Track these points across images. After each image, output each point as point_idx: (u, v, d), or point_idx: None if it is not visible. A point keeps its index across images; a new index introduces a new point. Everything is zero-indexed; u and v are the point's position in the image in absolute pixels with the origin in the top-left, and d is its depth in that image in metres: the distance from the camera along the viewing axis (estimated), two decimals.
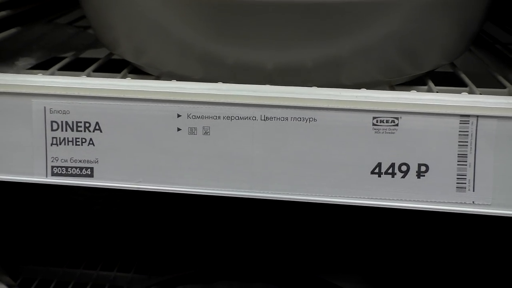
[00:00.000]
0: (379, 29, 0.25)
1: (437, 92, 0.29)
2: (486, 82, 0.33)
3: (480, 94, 0.28)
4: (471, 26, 0.30)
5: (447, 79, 0.34)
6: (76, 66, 0.35)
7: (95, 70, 0.33)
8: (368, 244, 0.57)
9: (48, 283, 0.61)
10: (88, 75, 0.32)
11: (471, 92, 0.29)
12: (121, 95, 0.26)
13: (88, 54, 0.39)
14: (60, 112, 0.27)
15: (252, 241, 0.58)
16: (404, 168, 0.24)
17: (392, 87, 0.30)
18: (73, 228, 0.65)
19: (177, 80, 0.27)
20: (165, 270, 0.57)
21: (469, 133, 0.23)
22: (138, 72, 0.32)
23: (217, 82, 0.27)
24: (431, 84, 0.30)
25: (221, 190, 0.25)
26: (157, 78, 0.31)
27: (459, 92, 0.29)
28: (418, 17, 0.26)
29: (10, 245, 0.63)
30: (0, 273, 0.59)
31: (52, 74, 0.31)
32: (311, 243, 0.57)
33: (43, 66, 0.35)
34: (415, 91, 0.25)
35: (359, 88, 0.26)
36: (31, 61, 0.34)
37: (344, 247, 0.57)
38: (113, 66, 0.34)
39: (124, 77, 0.32)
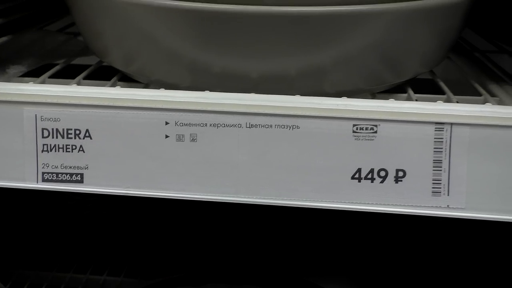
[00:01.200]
0: (359, 39, 0.26)
1: (416, 100, 0.30)
2: (465, 89, 0.35)
3: (457, 101, 0.30)
4: (449, 35, 0.31)
5: (427, 86, 0.35)
6: (67, 73, 0.36)
7: (86, 78, 0.34)
8: (355, 246, 0.58)
9: None
10: (79, 83, 0.32)
11: (448, 99, 0.30)
12: (111, 103, 0.26)
13: (78, 60, 0.40)
14: (51, 119, 0.27)
15: (240, 244, 0.58)
16: (382, 173, 0.25)
17: (374, 94, 0.31)
18: (63, 232, 0.65)
19: (165, 88, 0.28)
20: (155, 274, 0.57)
21: (444, 140, 0.24)
22: (127, 79, 0.33)
23: (204, 90, 0.27)
24: (410, 92, 0.31)
25: (207, 195, 0.26)
26: (146, 85, 0.32)
27: (437, 100, 0.30)
28: (397, 28, 0.27)
29: (0, 249, 0.63)
30: None
31: (43, 82, 0.32)
32: (298, 246, 0.58)
33: (34, 73, 0.35)
34: (393, 100, 0.26)
35: (341, 96, 0.27)
36: (22, 69, 0.35)
37: (331, 249, 0.58)
38: (103, 73, 0.35)
39: (113, 85, 0.33)
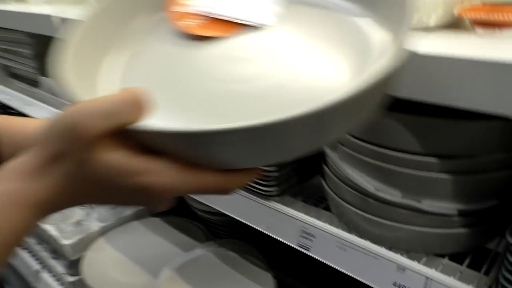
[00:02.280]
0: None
1: (443, 265, 0.71)
2: None
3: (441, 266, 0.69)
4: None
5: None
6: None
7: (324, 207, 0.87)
8: None
9: None
10: (318, 212, 0.86)
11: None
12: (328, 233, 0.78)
13: None
14: (303, 227, 0.81)
15: None
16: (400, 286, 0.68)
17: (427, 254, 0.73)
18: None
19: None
20: None
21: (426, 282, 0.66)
22: None
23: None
24: (444, 260, 0.72)
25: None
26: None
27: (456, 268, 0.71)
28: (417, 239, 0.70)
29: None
30: (264, 269, 1.19)
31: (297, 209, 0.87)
32: None
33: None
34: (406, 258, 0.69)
35: (413, 252, 0.72)
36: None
37: None
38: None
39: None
